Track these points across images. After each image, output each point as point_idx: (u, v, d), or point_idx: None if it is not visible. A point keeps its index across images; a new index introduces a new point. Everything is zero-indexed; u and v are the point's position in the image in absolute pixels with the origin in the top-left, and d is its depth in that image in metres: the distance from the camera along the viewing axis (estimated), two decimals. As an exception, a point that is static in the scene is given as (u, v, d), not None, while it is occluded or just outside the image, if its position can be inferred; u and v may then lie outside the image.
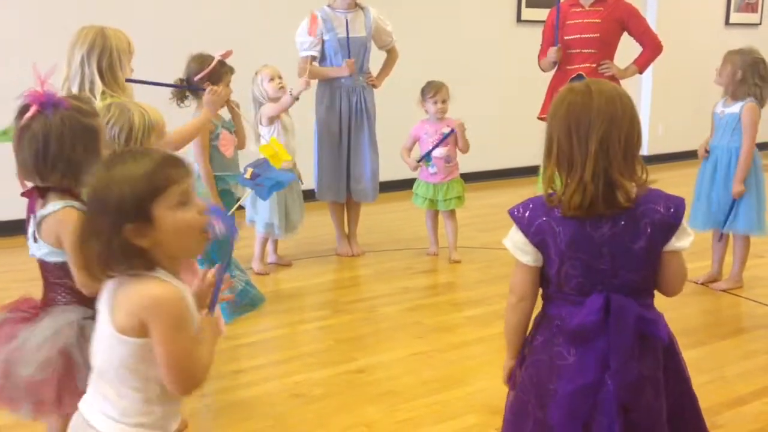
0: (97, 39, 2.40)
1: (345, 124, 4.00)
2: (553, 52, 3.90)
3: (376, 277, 3.79)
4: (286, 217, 3.74)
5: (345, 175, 4.05)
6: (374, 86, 4.08)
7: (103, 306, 1.31)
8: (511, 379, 1.62)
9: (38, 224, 1.67)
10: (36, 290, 3.58)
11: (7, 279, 3.65)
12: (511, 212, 1.52)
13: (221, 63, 3.04)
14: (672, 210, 1.44)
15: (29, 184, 1.70)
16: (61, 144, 1.59)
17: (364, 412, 2.39)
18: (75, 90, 2.45)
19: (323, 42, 3.91)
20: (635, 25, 3.93)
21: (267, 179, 2.72)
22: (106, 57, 2.39)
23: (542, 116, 4.02)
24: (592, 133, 1.39)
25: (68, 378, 1.64)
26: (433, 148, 3.89)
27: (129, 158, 1.28)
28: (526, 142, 5.74)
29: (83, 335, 1.64)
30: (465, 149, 3.96)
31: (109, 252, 1.24)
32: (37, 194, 1.68)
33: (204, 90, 2.90)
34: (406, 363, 2.75)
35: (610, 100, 1.41)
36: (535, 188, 5.07)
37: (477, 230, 4.44)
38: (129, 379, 1.28)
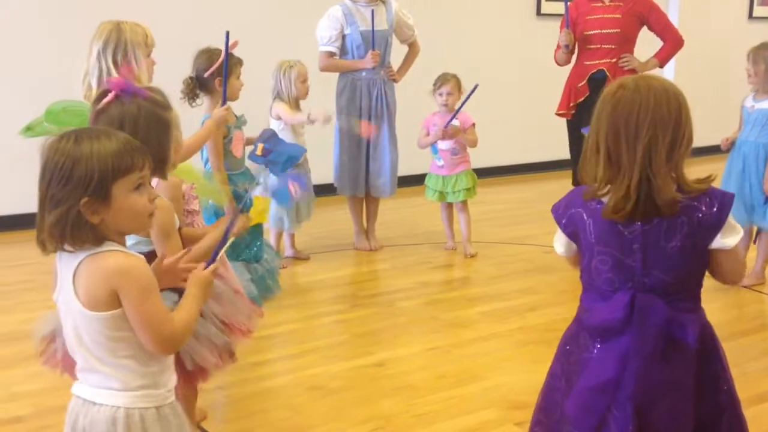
0: (112, 33, 2.43)
1: (365, 118, 3.99)
2: (563, 35, 3.85)
3: (394, 272, 3.79)
4: (296, 210, 3.74)
5: (364, 169, 4.05)
6: (395, 80, 4.08)
7: (64, 289, 1.32)
8: None
9: None
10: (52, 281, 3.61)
11: (33, 271, 3.71)
12: (553, 207, 1.54)
13: (230, 56, 3.01)
14: (716, 208, 1.39)
15: None
16: (135, 131, 1.59)
17: (382, 405, 2.40)
18: (94, 84, 2.48)
19: (344, 36, 3.91)
20: (656, 20, 3.90)
21: (279, 154, 2.72)
22: (120, 50, 2.42)
23: (560, 112, 4.00)
24: (640, 137, 1.36)
25: (176, 364, 1.67)
26: (450, 121, 3.83)
27: (100, 135, 1.32)
28: (545, 138, 5.73)
29: None
30: (472, 145, 3.94)
31: (64, 223, 1.27)
32: None
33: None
34: (423, 357, 2.75)
35: (658, 101, 1.37)
36: (555, 184, 5.06)
37: (494, 226, 4.43)
38: (119, 348, 1.32)
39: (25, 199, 4.36)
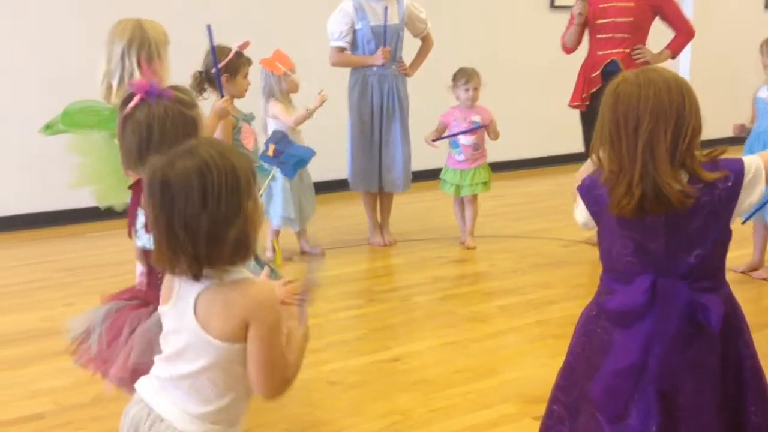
0: (136, 31, 2.42)
1: (377, 114, 3.99)
2: (579, 4, 3.81)
3: (408, 267, 3.79)
4: (299, 208, 3.74)
5: (377, 165, 4.04)
6: (407, 75, 4.07)
7: (185, 318, 1.29)
8: None
9: None
10: (76, 279, 3.65)
11: (50, 269, 3.74)
12: (579, 187, 1.54)
13: (238, 54, 3.02)
14: (731, 182, 1.39)
15: (131, 174, 1.73)
16: (163, 132, 1.61)
17: (399, 400, 2.40)
18: (115, 84, 2.48)
19: (355, 31, 3.91)
20: (670, 10, 3.87)
21: (290, 156, 2.72)
22: (145, 49, 2.41)
23: (573, 104, 3.97)
24: (640, 131, 1.36)
25: None
26: (457, 134, 3.85)
27: (222, 143, 1.33)
28: (559, 131, 5.69)
29: None
30: (495, 138, 3.94)
31: (244, 238, 1.24)
32: None
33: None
34: (439, 352, 2.75)
35: (658, 93, 1.37)
36: (569, 177, 5.03)
37: (509, 219, 4.42)
38: (222, 380, 1.29)
39: (42, 198, 4.43)
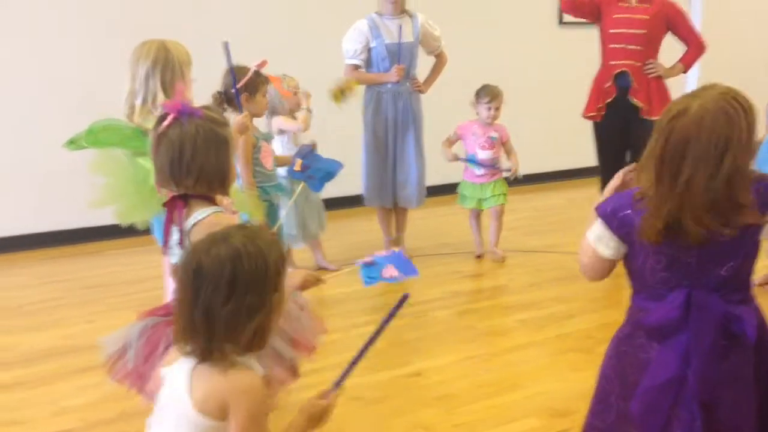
0: (160, 53, 2.46)
1: (391, 130, 4.03)
2: None
3: (425, 282, 3.79)
4: (303, 226, 3.76)
5: (391, 180, 4.07)
6: (421, 92, 4.11)
7: (177, 383, 1.31)
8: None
9: (189, 232, 1.71)
10: (97, 297, 3.67)
11: (67, 287, 3.77)
12: (597, 209, 1.53)
13: (257, 73, 3.05)
14: (762, 196, 1.41)
15: (164, 192, 1.76)
16: (194, 151, 1.65)
17: (422, 415, 2.41)
18: (138, 104, 2.52)
19: (369, 50, 3.95)
20: (682, 24, 3.91)
21: (317, 170, 2.76)
22: (169, 70, 2.45)
23: (588, 114, 3.99)
24: (683, 169, 1.37)
25: None
26: (473, 161, 3.94)
27: (251, 229, 1.32)
28: (570, 146, 5.73)
29: None
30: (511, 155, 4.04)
31: (264, 329, 1.27)
32: (181, 204, 1.72)
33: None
34: (460, 366, 2.76)
35: (712, 133, 1.36)
36: (582, 191, 5.05)
37: (524, 234, 4.43)
38: None
39: (60, 217, 4.47)
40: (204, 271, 1.25)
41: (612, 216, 1.49)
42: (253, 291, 1.25)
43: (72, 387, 2.64)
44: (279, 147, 3.66)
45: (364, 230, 4.50)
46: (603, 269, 1.54)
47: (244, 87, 3.03)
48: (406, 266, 1.70)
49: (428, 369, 2.74)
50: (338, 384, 1.46)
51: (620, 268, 1.59)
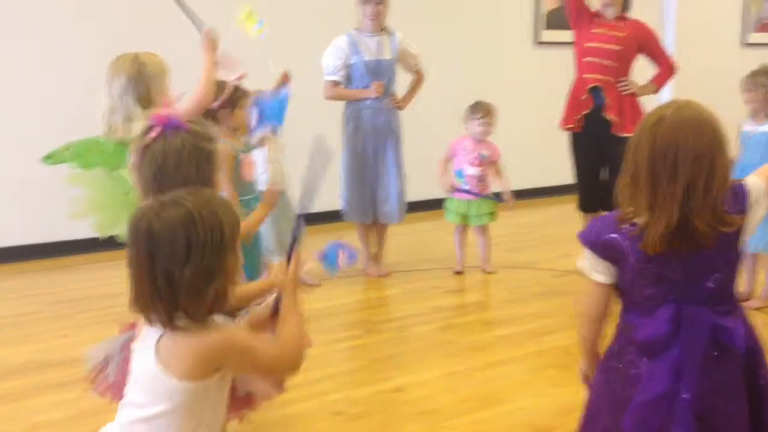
0: (133, 67, 2.43)
1: (370, 146, 4.04)
2: None
3: (405, 297, 3.80)
4: (280, 240, 3.72)
5: (371, 196, 4.08)
6: (399, 108, 4.13)
7: (146, 351, 1.31)
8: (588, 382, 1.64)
9: None
10: (70, 312, 3.59)
11: (43, 301, 3.69)
12: (580, 237, 1.53)
13: (236, 88, 3.04)
14: (739, 205, 1.44)
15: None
16: (178, 163, 1.63)
17: (406, 430, 2.40)
18: (119, 120, 2.49)
19: (349, 66, 3.97)
20: (654, 47, 4.00)
21: (270, 111, 2.74)
22: (143, 83, 2.43)
23: (568, 126, 4.02)
24: (679, 176, 1.39)
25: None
26: (472, 193, 3.99)
27: (210, 196, 1.34)
28: (548, 163, 5.79)
29: None
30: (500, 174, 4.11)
31: (222, 293, 1.28)
32: None
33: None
34: (442, 382, 2.75)
35: (696, 137, 1.40)
36: (560, 207, 5.10)
37: (504, 250, 4.44)
38: (180, 423, 1.30)
39: (35, 229, 4.38)
40: (156, 235, 1.24)
41: (596, 241, 1.49)
42: (209, 254, 1.25)
43: (46, 402, 2.58)
44: (261, 158, 3.64)
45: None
46: (601, 295, 1.53)
47: (224, 103, 3.00)
48: (349, 251, 1.88)
49: (410, 384, 2.73)
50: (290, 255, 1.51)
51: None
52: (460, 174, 4.01)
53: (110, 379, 1.76)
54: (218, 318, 1.33)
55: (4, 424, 2.45)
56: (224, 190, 3.04)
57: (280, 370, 1.34)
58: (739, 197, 1.46)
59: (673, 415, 1.43)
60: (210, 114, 3.04)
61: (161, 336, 1.29)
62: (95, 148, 2.48)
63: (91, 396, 1.94)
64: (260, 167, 3.61)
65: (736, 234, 1.46)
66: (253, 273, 3.07)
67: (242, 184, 3.14)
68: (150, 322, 1.29)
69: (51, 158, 2.63)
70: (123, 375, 1.67)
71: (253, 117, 2.71)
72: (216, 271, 1.26)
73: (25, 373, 2.83)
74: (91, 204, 2.60)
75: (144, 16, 4.44)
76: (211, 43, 2.66)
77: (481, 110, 3.99)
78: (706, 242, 1.41)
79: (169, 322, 1.27)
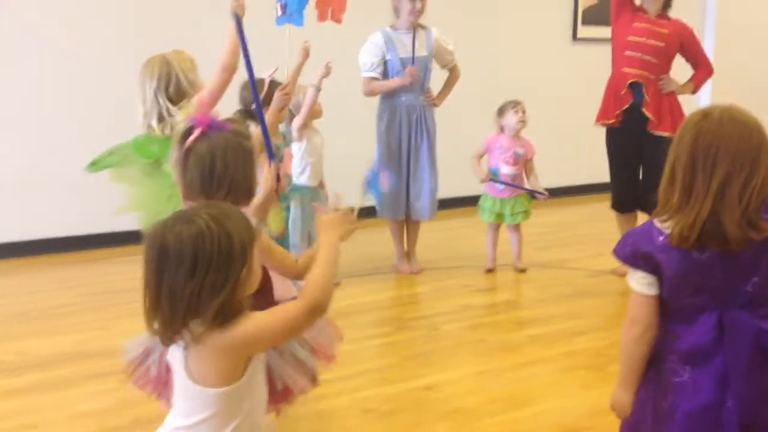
0: (162, 68, 2.48)
1: (405, 142, 4.05)
2: None
3: (436, 295, 3.81)
4: (309, 235, 3.75)
5: (405, 193, 4.09)
6: (434, 105, 4.14)
7: (178, 370, 1.35)
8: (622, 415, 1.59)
9: None
10: (109, 303, 3.69)
11: (85, 292, 3.79)
12: (615, 253, 1.53)
13: (272, 83, 3.05)
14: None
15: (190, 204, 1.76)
16: (225, 163, 1.67)
17: (434, 429, 2.42)
18: (155, 123, 2.55)
19: (385, 62, 3.99)
20: (695, 47, 3.94)
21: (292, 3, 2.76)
22: (173, 83, 2.48)
23: (607, 121, 3.96)
24: (716, 170, 1.39)
25: (268, 383, 1.72)
26: (510, 184, 3.99)
27: (222, 208, 1.36)
28: (582, 161, 5.75)
29: None
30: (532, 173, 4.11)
31: (228, 306, 1.29)
32: None
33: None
34: (472, 381, 2.77)
35: (741, 137, 1.40)
36: (594, 206, 5.06)
37: (535, 249, 4.43)
38: (228, 417, 1.34)
39: (78, 221, 4.50)
40: (168, 251, 1.28)
41: (634, 256, 1.49)
42: (215, 269, 1.27)
43: (86, 392, 2.67)
44: (296, 153, 3.67)
45: (375, 242, 4.52)
46: (649, 306, 1.50)
47: (263, 101, 3.03)
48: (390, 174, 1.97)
49: (440, 382, 2.75)
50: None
51: (626, 286, 1.58)
52: (495, 171, 4.01)
53: (152, 373, 1.81)
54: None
55: (49, 413, 2.53)
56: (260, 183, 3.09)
57: (308, 322, 1.34)
58: None
59: (719, 425, 1.42)
60: (249, 112, 3.09)
61: (186, 355, 1.33)
62: (151, 140, 2.54)
63: (131, 387, 2.00)
64: (298, 160, 3.66)
65: None
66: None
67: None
68: (152, 332, 1.32)
69: (95, 165, 2.70)
70: (163, 370, 1.72)
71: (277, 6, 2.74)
72: (222, 284, 1.28)
73: (66, 363, 2.92)
74: (136, 200, 2.67)
75: (166, 14, 4.52)
76: (240, 9, 2.58)
77: (513, 102, 4.00)
78: (735, 245, 1.39)
79: (163, 336, 1.31)
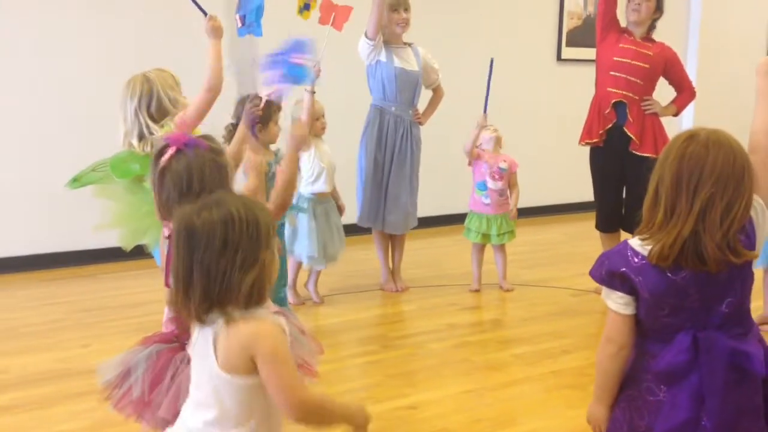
0: (143, 86, 2.50)
1: (389, 153, 4.03)
2: None
3: (421, 313, 3.81)
4: (324, 247, 3.78)
5: (382, 203, 4.07)
6: (420, 123, 4.16)
7: (202, 352, 1.37)
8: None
9: None
10: (93, 320, 3.65)
11: (68, 309, 3.76)
12: (592, 275, 1.55)
13: (268, 102, 3.07)
14: (746, 235, 1.45)
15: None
16: (202, 180, 1.69)
17: (419, 449, 2.41)
18: (135, 141, 2.56)
19: (379, 64, 3.95)
20: (678, 70, 4.00)
21: (250, 14, 2.77)
22: (154, 100, 2.49)
23: (590, 141, 3.99)
24: (700, 192, 1.40)
25: None
26: (486, 104, 4.03)
27: (248, 198, 1.44)
28: (567, 180, 5.80)
29: None
30: (514, 186, 4.11)
31: (261, 283, 1.33)
32: None
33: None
34: (457, 400, 2.76)
35: (725, 161, 1.41)
36: (578, 225, 5.09)
37: (520, 267, 4.45)
38: (239, 415, 1.35)
39: (60, 238, 4.47)
40: (197, 233, 1.31)
41: (610, 277, 1.50)
42: (244, 249, 1.31)
43: (67, 411, 2.63)
44: (306, 160, 3.68)
45: (360, 259, 4.52)
46: (625, 325, 1.51)
47: (261, 117, 3.03)
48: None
49: (425, 402, 2.74)
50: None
51: (605, 306, 1.59)
52: (483, 186, 4.02)
53: (134, 393, 1.79)
54: (264, 312, 1.37)
55: (27, 432, 2.50)
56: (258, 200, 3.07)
57: (291, 402, 1.34)
58: (749, 232, 1.47)
59: None
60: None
61: (216, 334, 1.34)
62: (131, 157, 2.55)
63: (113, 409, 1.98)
64: (309, 168, 3.66)
65: (748, 261, 1.47)
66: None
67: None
68: (184, 316, 1.35)
69: (77, 181, 2.70)
70: (146, 389, 1.71)
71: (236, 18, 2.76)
72: (251, 264, 1.31)
73: (47, 382, 2.89)
74: (117, 216, 2.67)
75: (155, 30, 4.53)
76: (216, 30, 2.69)
77: (483, 127, 4.01)
78: (713, 266, 1.41)
79: (197, 315, 1.33)
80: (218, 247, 1.30)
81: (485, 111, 4.00)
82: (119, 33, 4.50)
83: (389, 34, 3.99)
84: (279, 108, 3.16)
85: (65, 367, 3.03)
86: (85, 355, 3.14)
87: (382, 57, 3.97)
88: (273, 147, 3.24)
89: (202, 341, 1.37)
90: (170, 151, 1.72)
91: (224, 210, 1.32)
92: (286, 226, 3.59)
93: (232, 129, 3.05)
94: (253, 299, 1.33)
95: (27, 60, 4.33)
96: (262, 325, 1.33)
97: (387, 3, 3.92)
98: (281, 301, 3.09)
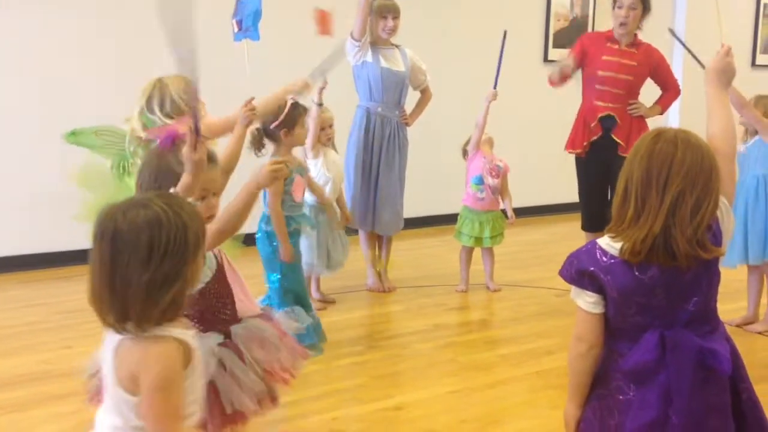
0: (154, 89, 2.49)
1: (376, 155, 4.02)
2: (567, 60, 3.91)
3: (408, 314, 3.80)
4: (327, 255, 3.75)
5: (372, 204, 4.06)
6: (407, 124, 4.14)
7: (107, 358, 1.30)
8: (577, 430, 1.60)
9: None
10: (74, 322, 3.61)
11: (48, 311, 3.72)
12: (561, 274, 1.55)
13: (294, 105, 3.00)
14: (713, 233, 1.46)
15: None
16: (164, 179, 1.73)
17: (404, 450, 2.40)
18: (142, 135, 2.55)
19: (366, 64, 3.93)
20: (664, 71, 4.00)
21: (247, 18, 2.75)
22: (168, 101, 2.48)
23: (574, 150, 4.00)
24: (669, 187, 1.41)
25: (215, 406, 1.72)
26: (497, 80, 4.15)
27: (177, 197, 1.36)
28: (553, 181, 5.80)
29: (221, 361, 1.78)
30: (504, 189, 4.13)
31: (180, 299, 1.25)
32: None
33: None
34: (443, 401, 2.75)
35: (693, 158, 1.43)
36: (565, 226, 5.11)
37: (507, 268, 4.45)
38: (143, 427, 1.28)
39: (40, 238, 4.42)
40: (121, 236, 1.22)
41: (579, 276, 1.50)
42: (170, 260, 1.22)
43: (47, 414, 2.60)
44: (314, 170, 3.65)
45: (347, 260, 4.50)
46: (593, 323, 1.52)
47: (282, 122, 2.99)
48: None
49: (410, 403, 2.73)
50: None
51: None
52: (479, 180, 4.02)
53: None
54: (175, 331, 1.28)
55: (6, 436, 2.47)
56: (270, 209, 3.01)
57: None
58: (716, 232, 1.48)
59: None
60: (270, 133, 3.05)
61: (119, 342, 1.27)
62: (111, 131, 2.53)
63: (93, 409, 1.95)
64: (316, 176, 3.65)
65: (715, 260, 1.48)
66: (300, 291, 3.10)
67: (289, 203, 3.14)
68: (104, 323, 1.27)
69: (74, 136, 2.66)
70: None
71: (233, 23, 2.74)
72: (174, 277, 1.23)
73: (27, 384, 2.85)
74: (95, 207, 2.64)
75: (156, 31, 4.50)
76: (250, 118, 2.56)
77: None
78: (683, 262, 1.42)
79: (116, 326, 1.25)
80: (143, 257, 1.21)
81: (495, 87, 3.98)
82: (119, 33, 4.45)
83: (376, 36, 3.97)
84: (305, 110, 3.12)
85: (46, 369, 2.99)
86: (66, 357, 3.10)
87: (368, 57, 3.95)
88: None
89: (108, 346, 1.30)
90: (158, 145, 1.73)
91: (151, 213, 1.23)
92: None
93: (257, 134, 3.02)
94: (167, 316, 1.25)
95: (13, 60, 4.28)
96: (155, 348, 1.24)
97: (375, 8, 3.91)
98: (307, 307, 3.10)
